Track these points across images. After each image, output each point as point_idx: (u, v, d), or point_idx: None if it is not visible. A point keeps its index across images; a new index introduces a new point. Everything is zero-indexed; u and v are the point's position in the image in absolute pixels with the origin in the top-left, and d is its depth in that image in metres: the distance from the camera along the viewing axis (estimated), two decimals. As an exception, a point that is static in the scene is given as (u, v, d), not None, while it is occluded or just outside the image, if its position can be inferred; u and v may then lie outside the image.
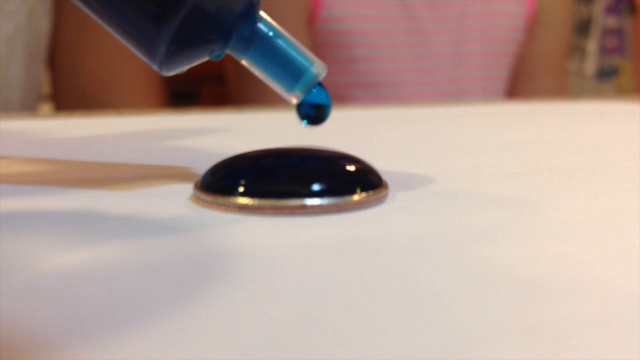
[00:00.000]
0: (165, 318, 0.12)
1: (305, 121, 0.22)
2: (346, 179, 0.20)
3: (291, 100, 0.22)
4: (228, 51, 0.21)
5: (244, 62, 0.21)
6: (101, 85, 0.65)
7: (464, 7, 0.77)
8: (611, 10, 1.46)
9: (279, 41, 0.21)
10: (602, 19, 1.46)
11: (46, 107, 0.74)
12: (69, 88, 0.66)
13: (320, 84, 0.22)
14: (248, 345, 0.11)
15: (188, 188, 0.22)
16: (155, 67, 0.20)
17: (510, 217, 0.19)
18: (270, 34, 0.21)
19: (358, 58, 0.74)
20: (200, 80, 1.01)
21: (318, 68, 0.21)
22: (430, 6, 0.76)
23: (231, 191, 0.19)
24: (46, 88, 0.68)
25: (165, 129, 0.42)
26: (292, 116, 0.47)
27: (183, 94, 0.99)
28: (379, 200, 0.20)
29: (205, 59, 0.21)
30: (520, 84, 0.84)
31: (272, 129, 0.44)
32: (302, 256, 0.15)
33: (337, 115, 0.52)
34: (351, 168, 0.21)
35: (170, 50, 0.20)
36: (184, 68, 0.21)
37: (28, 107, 0.61)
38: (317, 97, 0.22)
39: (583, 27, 1.46)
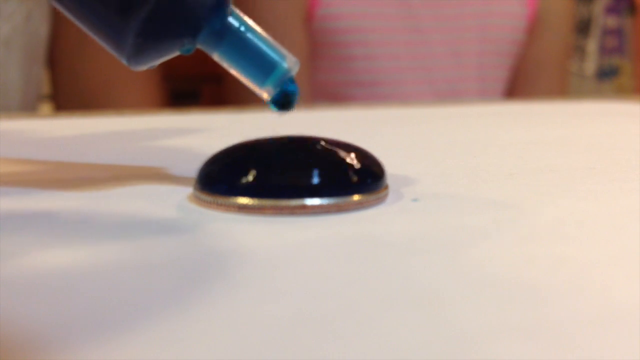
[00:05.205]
0: (165, 318, 0.12)
1: (273, 105, 0.22)
2: (347, 178, 0.20)
3: (262, 95, 0.21)
4: (199, 45, 0.21)
5: (214, 57, 0.21)
6: (100, 86, 0.65)
7: (463, 7, 0.77)
8: (611, 10, 1.46)
9: (250, 35, 0.20)
10: (602, 19, 1.46)
11: (46, 108, 0.74)
12: (68, 89, 0.66)
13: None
14: (248, 345, 0.11)
15: (188, 188, 0.22)
16: (123, 61, 0.20)
17: (511, 218, 0.19)
18: (242, 28, 0.20)
19: (355, 57, 0.74)
20: (200, 80, 1.01)
21: (289, 63, 0.21)
22: (429, 5, 0.75)
23: (231, 191, 0.19)
24: (46, 88, 0.68)
25: (165, 129, 0.42)
26: (290, 116, 0.47)
27: (183, 94, 0.99)
28: (379, 200, 0.20)
29: (176, 53, 0.20)
30: (521, 86, 0.84)
31: (272, 129, 0.44)
32: (302, 256, 0.15)
33: (335, 115, 0.52)
34: (354, 163, 0.20)
35: (138, 43, 0.19)
36: (154, 63, 0.20)
37: (27, 109, 0.61)
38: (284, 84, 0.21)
39: (583, 27, 1.46)
